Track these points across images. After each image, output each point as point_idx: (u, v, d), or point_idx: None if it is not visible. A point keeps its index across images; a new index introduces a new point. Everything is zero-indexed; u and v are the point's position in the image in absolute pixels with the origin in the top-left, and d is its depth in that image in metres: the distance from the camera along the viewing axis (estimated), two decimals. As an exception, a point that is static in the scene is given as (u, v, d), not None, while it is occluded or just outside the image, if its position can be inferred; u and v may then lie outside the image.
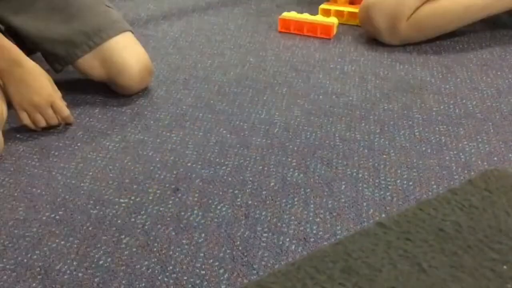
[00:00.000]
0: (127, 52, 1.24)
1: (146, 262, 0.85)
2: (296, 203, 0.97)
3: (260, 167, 1.06)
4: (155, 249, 0.88)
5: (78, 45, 1.23)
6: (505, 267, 0.80)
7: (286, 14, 1.63)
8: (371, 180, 1.02)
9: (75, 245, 0.89)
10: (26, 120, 1.14)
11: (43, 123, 1.15)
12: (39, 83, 1.13)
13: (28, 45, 1.24)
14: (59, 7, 1.24)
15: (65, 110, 1.16)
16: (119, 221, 0.93)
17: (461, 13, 1.49)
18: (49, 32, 1.23)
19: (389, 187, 1.00)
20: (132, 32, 1.30)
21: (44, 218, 0.94)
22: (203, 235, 0.90)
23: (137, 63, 1.25)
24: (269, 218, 0.94)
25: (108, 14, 1.27)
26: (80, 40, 1.23)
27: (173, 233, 0.91)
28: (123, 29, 1.27)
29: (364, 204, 0.96)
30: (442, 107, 1.25)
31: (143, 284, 0.81)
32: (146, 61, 1.27)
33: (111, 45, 1.23)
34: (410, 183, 1.01)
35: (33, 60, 1.15)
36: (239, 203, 0.97)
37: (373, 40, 1.55)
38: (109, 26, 1.25)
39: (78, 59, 1.24)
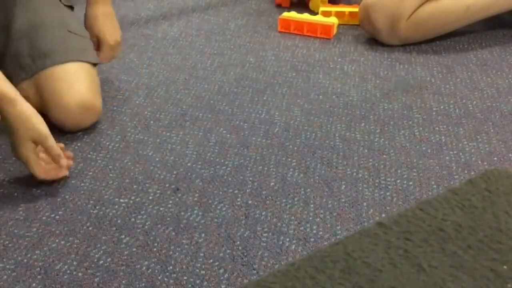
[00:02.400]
0: (62, 85, 1.11)
1: (146, 262, 0.85)
2: (296, 203, 0.97)
3: (260, 167, 1.06)
4: (155, 249, 0.88)
5: (23, 68, 1.14)
6: (505, 267, 0.80)
7: (286, 14, 1.63)
8: (371, 180, 1.02)
9: (75, 245, 0.89)
10: (41, 175, 0.99)
11: (53, 174, 1.01)
12: (35, 117, 0.97)
13: None
14: (21, 26, 1.16)
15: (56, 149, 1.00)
16: (119, 221, 0.93)
17: (461, 13, 1.49)
18: (4, 50, 1.16)
19: (389, 187, 1.00)
20: (94, 64, 1.19)
21: (44, 218, 0.94)
22: (203, 235, 0.90)
23: (71, 99, 1.10)
24: (269, 218, 0.94)
25: (64, 40, 1.16)
26: (25, 62, 1.14)
27: (173, 233, 0.91)
28: (73, 58, 1.14)
29: (364, 204, 0.96)
30: (442, 107, 1.25)
31: (143, 284, 0.81)
32: (85, 99, 1.11)
33: (47, 74, 1.12)
34: (410, 183, 1.01)
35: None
36: (239, 203, 0.97)
37: (373, 40, 1.55)
38: (56, 53, 1.13)
39: (21, 82, 1.13)
